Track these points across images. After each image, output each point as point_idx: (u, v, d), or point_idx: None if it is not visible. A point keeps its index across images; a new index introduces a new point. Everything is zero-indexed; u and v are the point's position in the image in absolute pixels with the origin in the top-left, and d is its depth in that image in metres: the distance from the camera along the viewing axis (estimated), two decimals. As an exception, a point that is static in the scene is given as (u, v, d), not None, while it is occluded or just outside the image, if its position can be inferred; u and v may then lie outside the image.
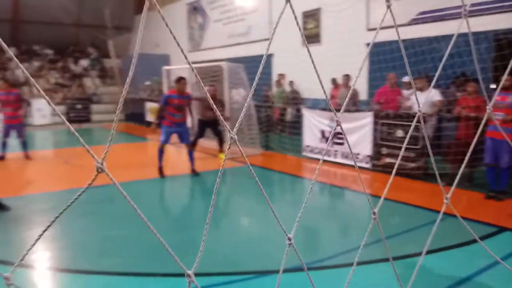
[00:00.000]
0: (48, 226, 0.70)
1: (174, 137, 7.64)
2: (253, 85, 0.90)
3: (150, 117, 15.04)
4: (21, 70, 14.16)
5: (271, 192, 7.19)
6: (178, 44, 0.73)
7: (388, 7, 0.94)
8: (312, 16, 12.46)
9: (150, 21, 12.52)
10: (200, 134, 8.94)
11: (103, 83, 20.86)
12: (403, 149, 1.32)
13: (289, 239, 0.93)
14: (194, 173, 7.68)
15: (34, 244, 0.71)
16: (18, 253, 3.41)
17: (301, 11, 12.65)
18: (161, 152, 7.46)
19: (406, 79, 8.23)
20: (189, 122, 7.93)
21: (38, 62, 20.44)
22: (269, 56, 13.70)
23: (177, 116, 7.41)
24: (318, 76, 1.00)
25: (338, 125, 0.97)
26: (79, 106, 18.37)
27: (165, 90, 11.68)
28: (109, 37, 19.19)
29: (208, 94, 0.90)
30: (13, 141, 9.35)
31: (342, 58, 10.22)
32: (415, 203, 5.79)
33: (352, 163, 8.20)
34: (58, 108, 17.24)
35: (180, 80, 7.44)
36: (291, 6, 0.78)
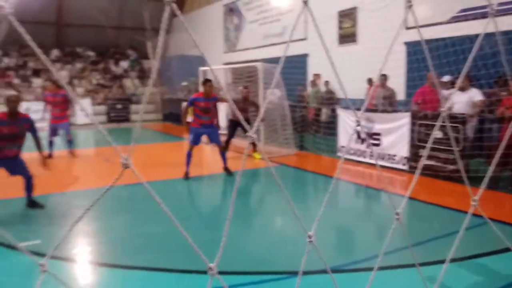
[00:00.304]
0: (78, 220, 0.75)
1: (206, 137, 7.74)
2: (272, 85, 0.92)
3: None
4: (65, 72, 14.66)
5: (305, 193, 7.16)
6: (198, 47, 0.76)
7: (409, 7, 0.93)
8: (348, 15, 12.30)
9: (187, 23, 12.74)
10: (232, 134, 9.02)
11: (142, 83, 21.45)
12: (427, 149, 1.30)
13: (309, 236, 0.94)
14: (228, 172, 7.76)
15: (65, 235, 0.77)
16: (60, 246, 3.57)
17: (337, 10, 12.52)
18: (189, 156, 7.48)
19: (445, 78, 7.99)
20: (219, 122, 7.94)
21: (80, 63, 21.32)
22: (305, 56, 13.63)
23: (204, 118, 7.46)
24: (338, 76, 1.00)
25: (358, 124, 0.97)
26: (119, 106, 19.02)
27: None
28: (148, 39, 19.70)
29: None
30: (58, 139, 9.78)
31: (379, 58, 10.02)
32: (455, 207, 5.61)
33: (388, 164, 8.04)
34: (99, 108, 17.69)
35: (206, 82, 7.46)
36: (309, 9, 0.79)
